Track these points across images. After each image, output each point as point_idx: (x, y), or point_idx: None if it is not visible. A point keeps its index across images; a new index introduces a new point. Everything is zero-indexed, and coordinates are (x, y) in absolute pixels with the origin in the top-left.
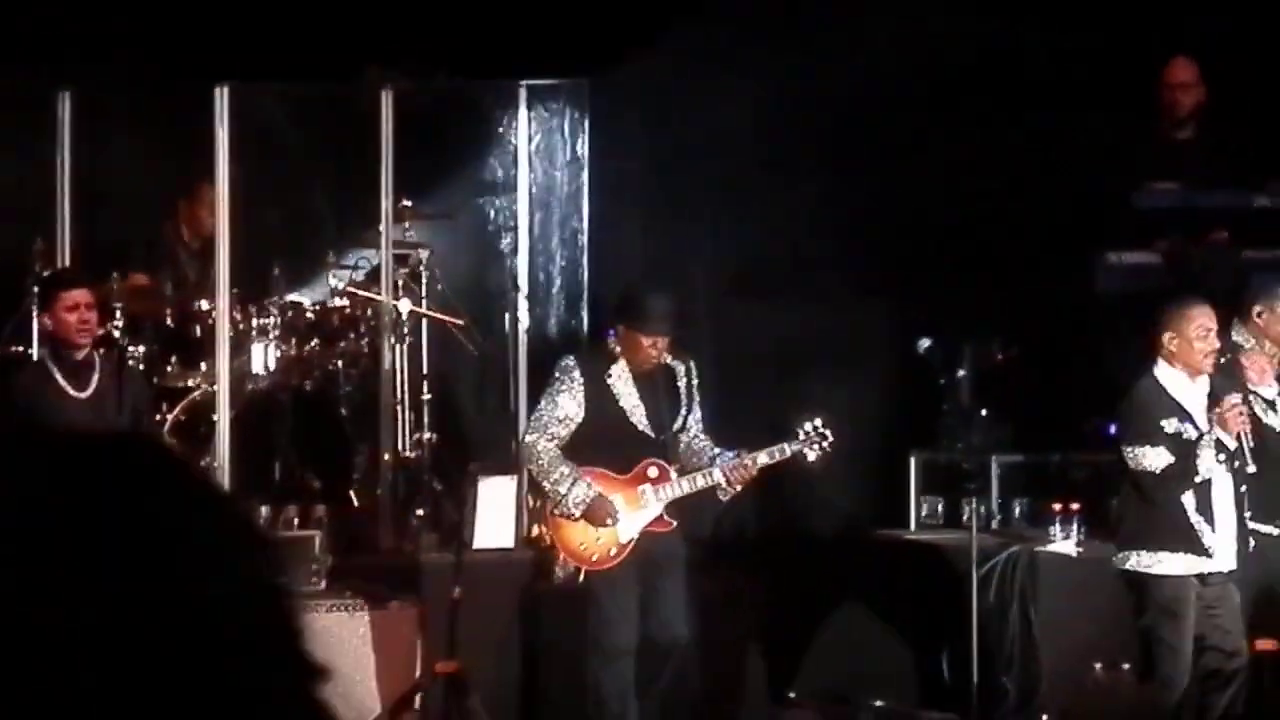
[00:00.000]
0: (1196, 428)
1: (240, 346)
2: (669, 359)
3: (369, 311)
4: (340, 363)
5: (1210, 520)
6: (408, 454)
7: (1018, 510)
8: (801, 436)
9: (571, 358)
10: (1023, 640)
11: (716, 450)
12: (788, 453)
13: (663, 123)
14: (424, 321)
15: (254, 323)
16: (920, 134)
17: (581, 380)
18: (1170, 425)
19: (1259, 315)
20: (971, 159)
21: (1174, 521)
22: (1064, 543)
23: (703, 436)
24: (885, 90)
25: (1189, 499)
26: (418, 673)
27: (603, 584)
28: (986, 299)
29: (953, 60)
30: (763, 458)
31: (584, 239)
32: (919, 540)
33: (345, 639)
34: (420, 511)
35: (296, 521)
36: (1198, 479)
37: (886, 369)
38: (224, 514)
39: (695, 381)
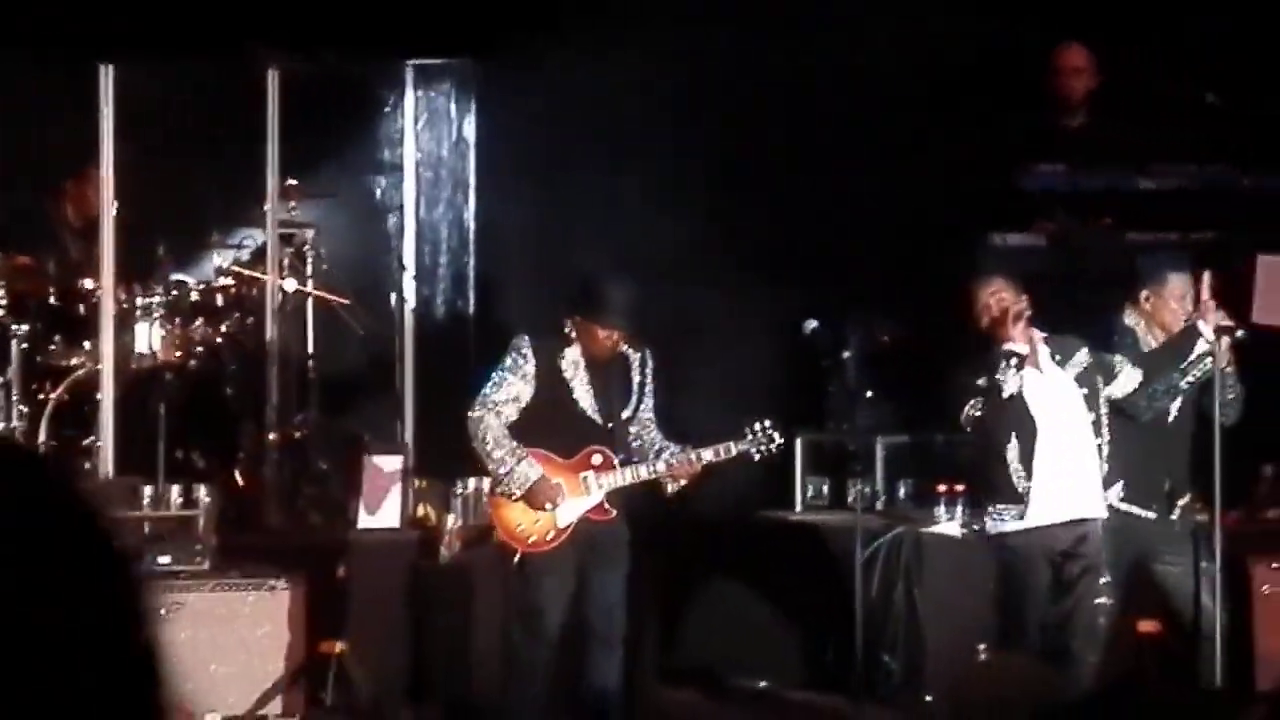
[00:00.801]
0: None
1: (125, 325)
2: (624, 347)
3: (254, 290)
4: (225, 342)
5: (1029, 471)
6: (293, 433)
7: (903, 491)
8: (749, 436)
9: (525, 337)
10: (907, 621)
11: (666, 444)
12: (734, 451)
13: (550, 103)
14: (309, 300)
15: (139, 302)
16: (807, 116)
17: (534, 361)
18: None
19: (1146, 299)
20: (858, 139)
21: (998, 475)
22: (949, 524)
23: (654, 428)
24: (774, 72)
25: (1012, 452)
26: (303, 652)
27: (538, 566)
28: (872, 281)
29: (843, 43)
30: (708, 454)
31: (470, 219)
32: (804, 521)
33: (230, 618)
34: (305, 491)
35: (181, 501)
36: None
37: (772, 350)
38: (82, 525)
39: (649, 372)
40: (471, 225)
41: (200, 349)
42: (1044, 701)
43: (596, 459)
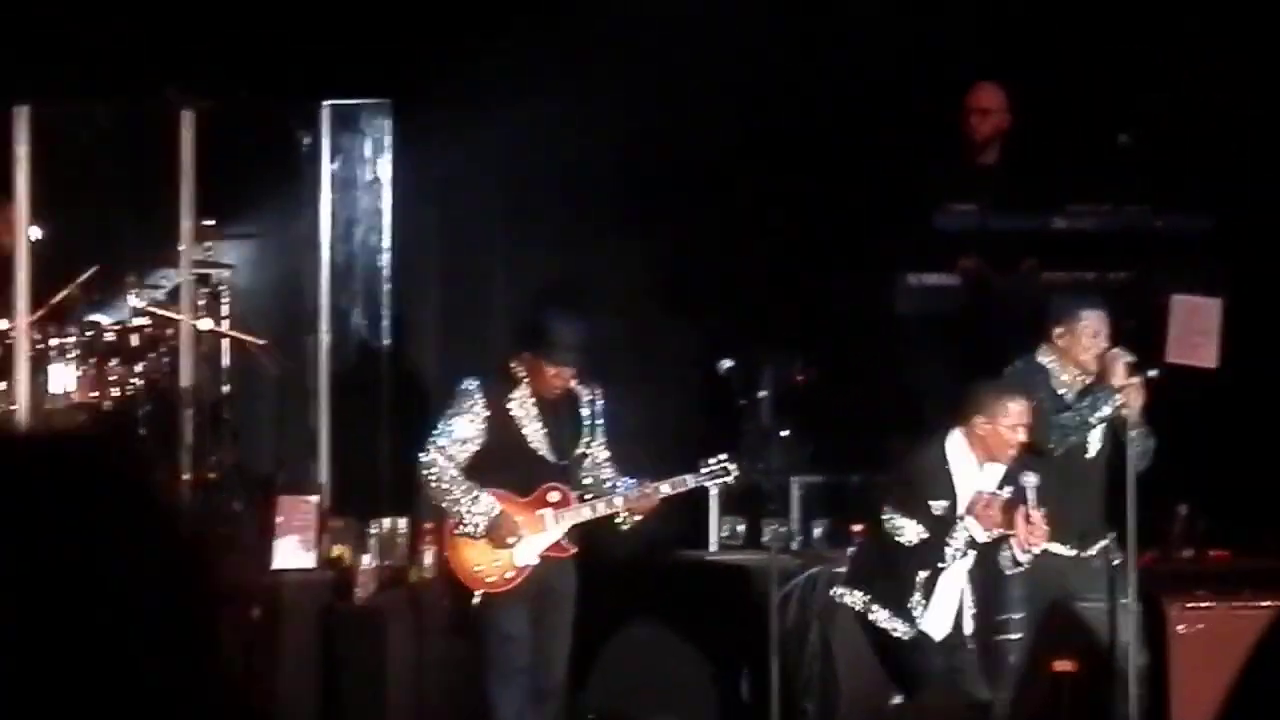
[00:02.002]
0: (955, 515)
1: (39, 366)
2: (574, 384)
3: (169, 331)
4: (140, 383)
5: (927, 598)
6: (207, 474)
7: (818, 531)
8: (704, 470)
9: (474, 381)
10: (822, 662)
11: (619, 479)
12: (690, 484)
13: (465, 143)
14: (224, 341)
15: (53, 342)
16: (723, 155)
17: (482, 403)
18: (938, 508)
19: (1059, 337)
20: (773, 178)
21: (900, 588)
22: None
23: (608, 466)
24: (689, 112)
25: (922, 575)
26: None
27: (497, 605)
28: (787, 319)
29: (754, 82)
30: (665, 488)
31: (386, 259)
32: (719, 561)
33: None
34: (220, 531)
35: None
36: (941, 565)
37: (687, 389)
38: (159, 526)
39: (599, 408)
40: (386, 266)
41: (115, 390)
42: None
43: (554, 496)
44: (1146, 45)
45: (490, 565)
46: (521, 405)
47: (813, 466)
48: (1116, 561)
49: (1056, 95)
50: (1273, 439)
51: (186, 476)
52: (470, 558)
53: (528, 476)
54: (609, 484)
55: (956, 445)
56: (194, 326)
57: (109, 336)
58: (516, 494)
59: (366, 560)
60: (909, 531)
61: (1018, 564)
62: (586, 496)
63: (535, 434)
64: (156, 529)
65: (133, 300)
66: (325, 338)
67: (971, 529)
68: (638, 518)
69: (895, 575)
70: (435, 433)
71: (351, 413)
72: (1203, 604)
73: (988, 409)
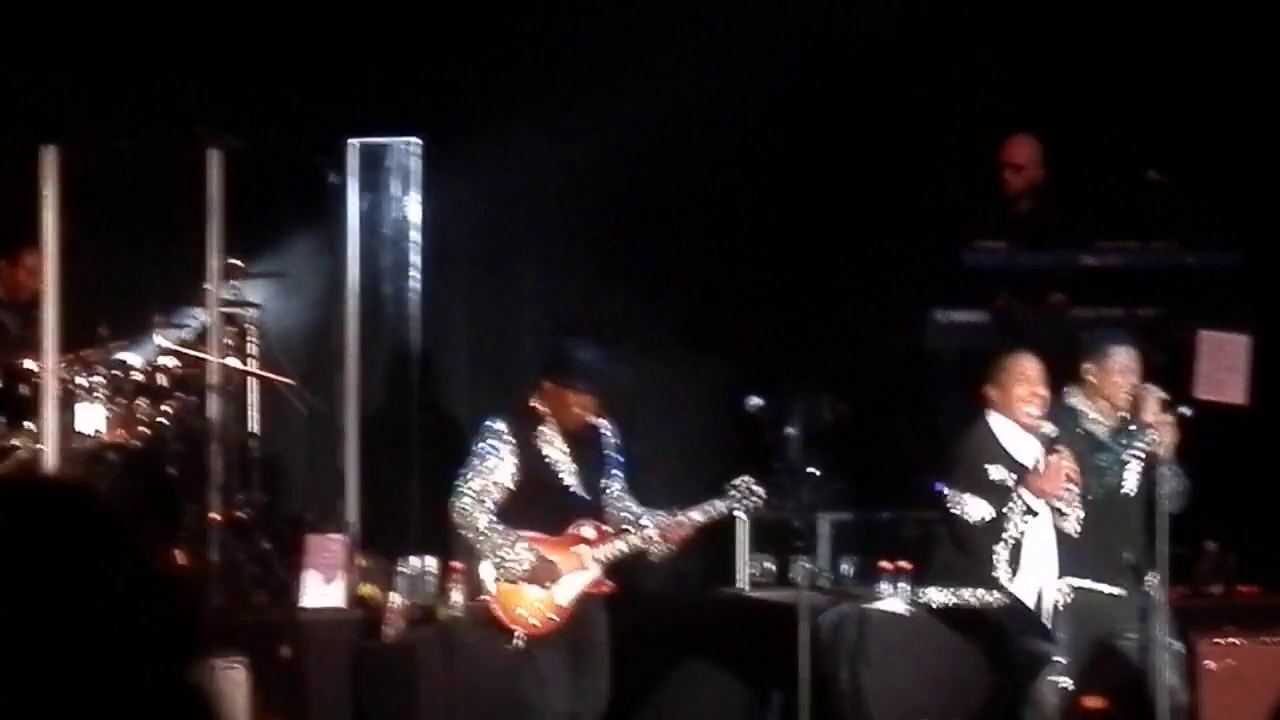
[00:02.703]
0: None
1: (67, 405)
2: (594, 419)
3: (197, 370)
4: (169, 421)
5: (1014, 566)
6: (236, 513)
7: (847, 568)
8: (732, 494)
9: (500, 421)
10: (852, 698)
11: (641, 510)
12: (721, 509)
13: (493, 181)
14: (252, 380)
15: (81, 381)
16: (752, 189)
17: (512, 444)
18: (996, 472)
19: (1088, 374)
20: (803, 215)
21: (978, 565)
22: (893, 600)
23: (626, 496)
24: (720, 148)
25: (1000, 547)
26: None
27: (537, 646)
28: (817, 356)
29: (786, 119)
30: (697, 515)
31: (414, 298)
32: (748, 598)
33: None
34: (249, 570)
35: None
36: (1006, 536)
37: (716, 426)
38: (144, 573)
39: (616, 441)
40: (415, 304)
41: (143, 429)
42: None
43: (589, 532)
44: (1176, 81)
45: (532, 607)
46: (549, 442)
47: (842, 503)
48: (1156, 598)
49: (1086, 131)
50: None
51: (215, 515)
52: (512, 602)
53: (559, 514)
54: (632, 516)
55: (995, 417)
56: (222, 365)
57: (137, 376)
58: (549, 533)
59: (395, 599)
60: (974, 509)
61: (1030, 512)
62: (618, 531)
63: (565, 470)
64: (140, 572)
65: (160, 339)
66: (353, 376)
67: (1027, 497)
68: (671, 548)
69: (974, 556)
70: (465, 477)
71: (380, 451)
72: (1232, 640)
73: (994, 376)
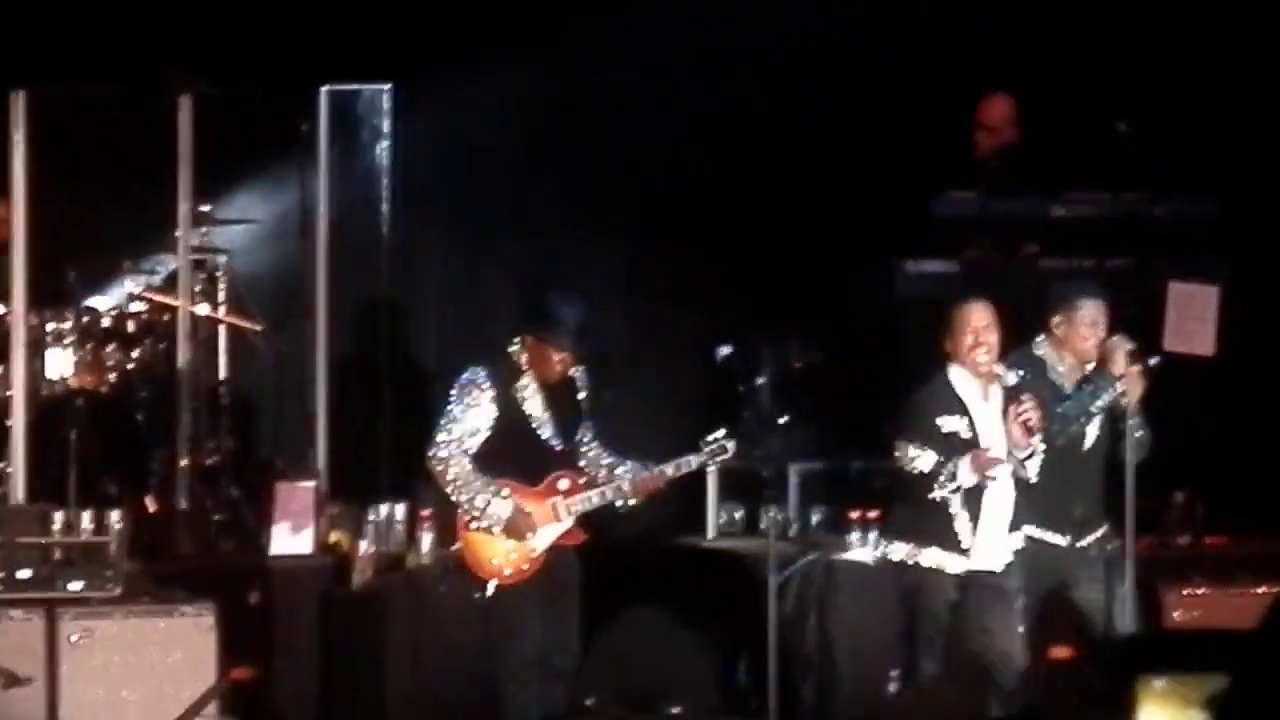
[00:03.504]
0: (977, 429)
1: (36, 351)
2: (572, 370)
3: (166, 316)
4: (138, 368)
5: (975, 520)
6: (205, 459)
7: (816, 518)
8: (704, 449)
9: (481, 370)
10: (820, 647)
11: (615, 458)
12: (693, 464)
13: (465, 129)
14: (221, 327)
15: (50, 327)
16: (722, 140)
17: (491, 393)
18: (948, 423)
19: (1057, 326)
20: (773, 164)
21: (935, 519)
22: (862, 550)
23: (597, 447)
24: (692, 97)
25: (954, 496)
26: (215, 678)
27: (509, 596)
28: (787, 306)
29: (756, 69)
30: (669, 470)
31: (384, 245)
32: (717, 548)
33: (141, 645)
34: (217, 517)
35: (92, 527)
36: (954, 484)
37: (686, 376)
38: None
39: (588, 389)
40: (385, 251)
41: (112, 375)
42: None
43: (563, 484)
44: (1146, 30)
45: (506, 557)
46: (527, 393)
47: (811, 453)
48: (1112, 548)
49: (1056, 82)
50: (1269, 425)
51: (184, 462)
52: (485, 551)
53: (536, 465)
54: (607, 465)
55: (954, 370)
56: (191, 312)
57: (106, 322)
58: (526, 483)
59: (364, 546)
60: (919, 459)
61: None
62: (592, 482)
63: (542, 421)
64: None
65: (129, 285)
66: (323, 323)
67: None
68: (640, 500)
69: (929, 510)
70: (444, 425)
71: (350, 398)
72: (1199, 590)
73: (947, 325)
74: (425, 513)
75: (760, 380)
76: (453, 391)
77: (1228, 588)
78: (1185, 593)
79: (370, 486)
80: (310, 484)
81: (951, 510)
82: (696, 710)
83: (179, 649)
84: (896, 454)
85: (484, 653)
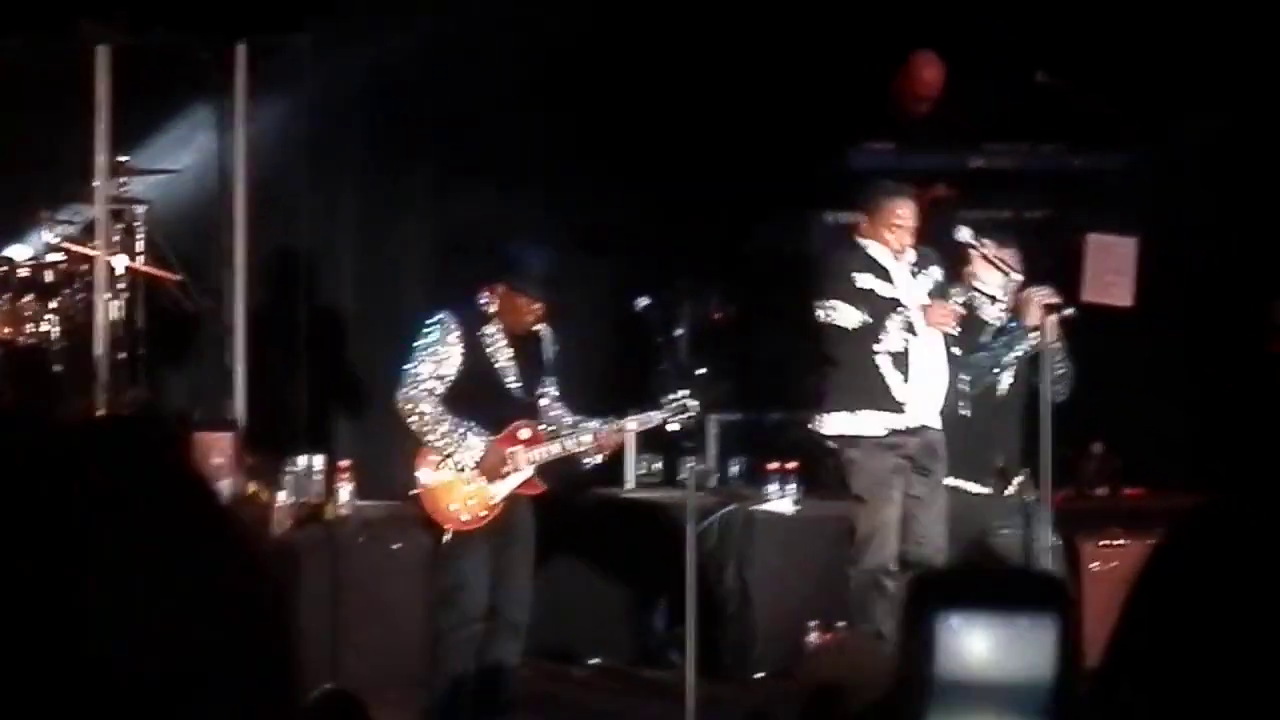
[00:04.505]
0: (894, 290)
1: None
2: (539, 325)
3: (84, 267)
4: (55, 318)
5: (905, 374)
6: (122, 410)
7: (735, 469)
8: (667, 407)
9: (447, 312)
10: (739, 599)
11: (576, 417)
12: (656, 420)
13: (381, 79)
14: (139, 277)
15: None
16: (636, 85)
17: (458, 335)
18: (865, 280)
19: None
20: (689, 114)
21: (866, 377)
22: (780, 501)
23: (560, 406)
24: (601, 43)
25: (883, 351)
26: None
27: (462, 547)
28: (704, 257)
29: (672, 16)
30: (632, 424)
31: (301, 196)
32: (636, 499)
33: None
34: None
35: None
36: (882, 344)
37: (604, 327)
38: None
39: (555, 348)
40: (302, 202)
41: (29, 325)
42: (884, 682)
43: (524, 433)
44: None
45: (464, 503)
46: (494, 341)
47: (729, 404)
48: (1032, 498)
49: (974, 33)
50: (1186, 377)
51: (101, 413)
52: (443, 496)
53: (498, 412)
54: (569, 425)
55: (863, 240)
56: (108, 262)
57: (23, 272)
58: (487, 431)
59: (282, 497)
60: (845, 315)
61: (910, 330)
62: (553, 435)
63: (506, 368)
64: (212, 521)
65: (46, 235)
66: (241, 274)
67: (914, 317)
68: (600, 457)
69: (854, 369)
70: (412, 366)
71: (268, 350)
72: (1116, 541)
73: (868, 207)
74: (344, 464)
75: (678, 332)
76: (421, 333)
77: (1145, 539)
78: (1102, 544)
79: (288, 437)
80: (228, 435)
81: (882, 369)
82: (615, 661)
83: None
84: (820, 314)
85: (405, 606)
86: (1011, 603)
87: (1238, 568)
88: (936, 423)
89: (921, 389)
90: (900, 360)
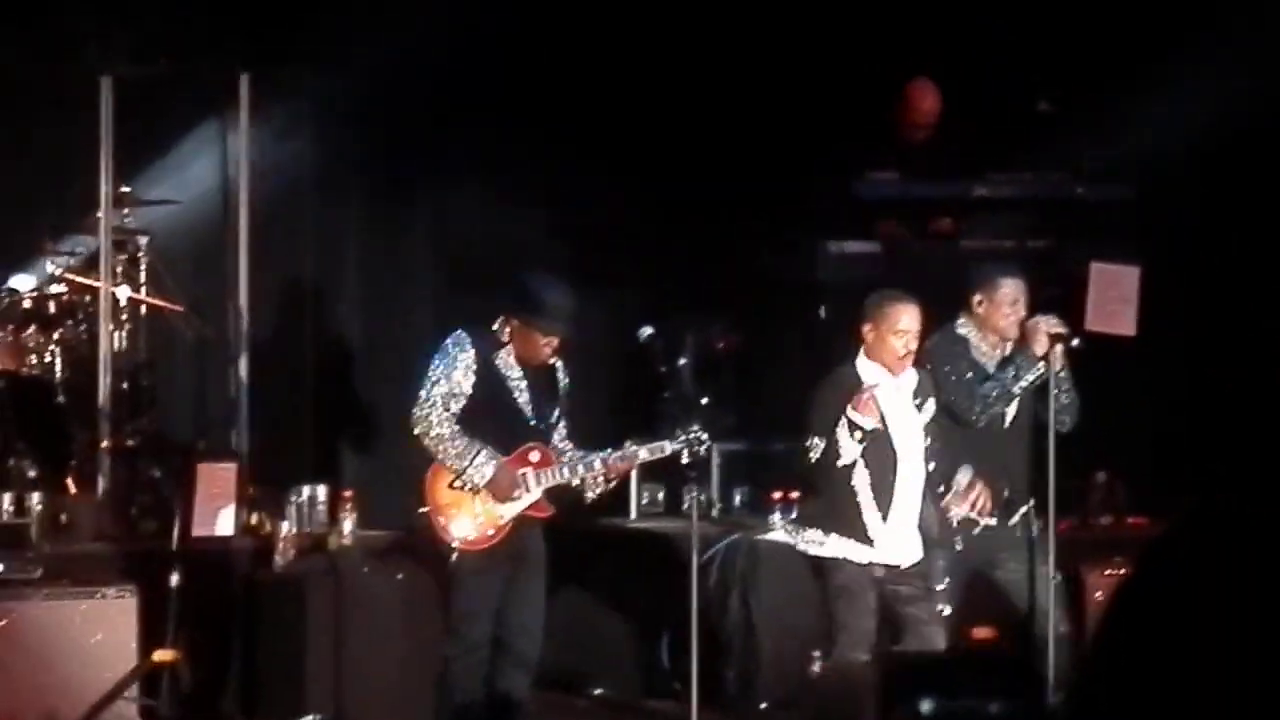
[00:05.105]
0: (884, 422)
1: None
2: (554, 359)
3: (87, 298)
4: (58, 349)
5: (885, 509)
6: (126, 441)
7: (738, 498)
8: (680, 437)
9: (463, 332)
10: (743, 628)
11: (581, 452)
12: (667, 451)
13: (385, 112)
14: (143, 308)
15: None
16: (641, 109)
17: (474, 354)
18: (855, 417)
19: (979, 305)
20: (695, 143)
21: (840, 508)
22: (783, 531)
23: (569, 442)
24: (607, 68)
25: (863, 487)
26: (135, 661)
27: (470, 570)
28: (709, 286)
29: (678, 45)
30: (644, 454)
31: (307, 226)
32: (640, 529)
33: (62, 627)
34: (138, 499)
35: (12, 509)
36: (840, 463)
37: (608, 357)
38: None
39: (567, 383)
40: (307, 231)
41: (33, 356)
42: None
43: (535, 455)
44: (1068, 10)
45: (474, 520)
46: (507, 363)
47: (733, 434)
48: (1036, 529)
49: (978, 61)
50: (1190, 406)
51: (105, 444)
52: (453, 513)
53: (509, 435)
54: (577, 454)
55: (862, 361)
56: (112, 293)
57: (26, 303)
58: (498, 452)
59: (286, 528)
60: (816, 448)
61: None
62: (564, 459)
63: (519, 391)
64: None
65: (49, 266)
66: (245, 304)
67: (855, 416)
68: (611, 484)
69: (838, 501)
70: (428, 385)
71: (271, 380)
72: (1121, 571)
73: (871, 317)
74: (347, 494)
75: (682, 361)
76: (436, 354)
77: None
78: (1107, 573)
79: (292, 468)
80: (231, 465)
81: (859, 500)
82: (619, 692)
83: (100, 631)
84: (817, 446)
85: (401, 635)
86: (982, 690)
87: (1208, 587)
88: (906, 562)
89: (898, 526)
90: (883, 493)
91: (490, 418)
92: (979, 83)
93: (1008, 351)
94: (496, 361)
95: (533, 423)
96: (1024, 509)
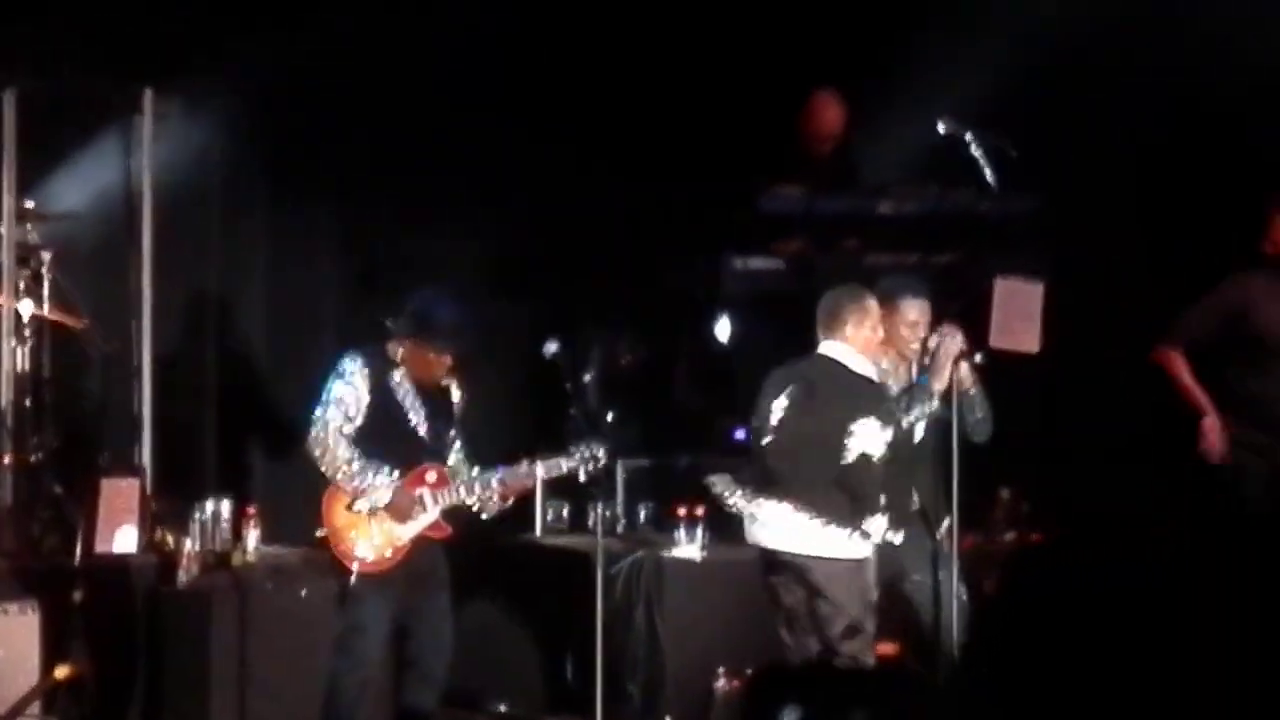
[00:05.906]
0: None
1: None
2: (447, 378)
3: None
4: None
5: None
6: (28, 457)
7: (643, 514)
8: (576, 455)
9: (356, 352)
10: (648, 644)
11: (478, 470)
12: (564, 469)
13: (290, 123)
14: (45, 323)
15: None
16: (550, 135)
17: (366, 375)
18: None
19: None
20: (599, 158)
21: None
22: (688, 547)
23: (463, 458)
24: (517, 92)
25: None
26: (37, 677)
27: (366, 589)
28: (614, 301)
29: (584, 60)
30: (540, 471)
31: (211, 239)
32: (544, 544)
33: None
34: (41, 515)
35: None
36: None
37: (512, 371)
38: None
39: (461, 401)
40: (212, 246)
41: None
42: None
43: (431, 476)
44: (969, 29)
45: (371, 542)
46: (401, 383)
47: (638, 449)
48: (942, 544)
49: (882, 78)
50: (1094, 422)
51: (7, 460)
52: (350, 535)
53: (404, 454)
54: (467, 473)
55: (845, 351)
56: (14, 308)
57: None
58: (395, 472)
59: (190, 544)
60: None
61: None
62: (460, 479)
63: (414, 412)
64: None
65: None
66: (148, 320)
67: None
68: (508, 502)
69: (861, 494)
70: (321, 408)
71: (176, 395)
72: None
73: (884, 307)
74: (251, 509)
75: (587, 376)
76: (329, 376)
77: None
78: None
79: (196, 483)
80: (134, 481)
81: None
82: (523, 707)
83: (2, 648)
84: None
85: (308, 652)
86: (850, 701)
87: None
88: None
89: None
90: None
91: (385, 438)
92: (883, 98)
93: (914, 373)
94: (390, 382)
95: (428, 443)
96: (946, 522)
